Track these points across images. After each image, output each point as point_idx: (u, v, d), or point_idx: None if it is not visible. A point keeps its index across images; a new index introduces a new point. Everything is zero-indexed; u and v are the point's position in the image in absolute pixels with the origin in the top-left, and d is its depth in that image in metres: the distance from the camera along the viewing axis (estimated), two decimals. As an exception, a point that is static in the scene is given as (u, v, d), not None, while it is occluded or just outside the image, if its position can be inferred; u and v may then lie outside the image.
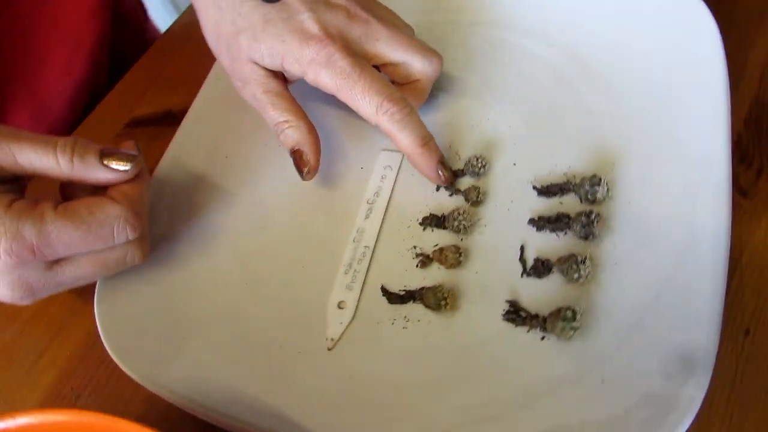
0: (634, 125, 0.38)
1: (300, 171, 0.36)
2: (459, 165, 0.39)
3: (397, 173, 0.39)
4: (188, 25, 0.53)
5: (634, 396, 0.29)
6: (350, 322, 0.34)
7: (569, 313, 0.31)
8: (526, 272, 0.34)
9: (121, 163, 0.30)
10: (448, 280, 0.35)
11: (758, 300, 0.34)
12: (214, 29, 0.36)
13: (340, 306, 0.35)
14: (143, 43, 0.53)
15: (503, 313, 0.33)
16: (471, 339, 0.33)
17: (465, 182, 0.38)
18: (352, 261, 0.36)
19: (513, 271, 0.34)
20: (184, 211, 0.39)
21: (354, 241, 0.37)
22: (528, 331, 0.32)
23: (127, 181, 0.30)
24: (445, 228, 0.36)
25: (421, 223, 0.37)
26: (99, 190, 0.30)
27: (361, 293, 0.35)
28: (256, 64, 0.36)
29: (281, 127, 0.36)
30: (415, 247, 0.36)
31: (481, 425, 0.30)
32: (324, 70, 0.34)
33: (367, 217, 0.38)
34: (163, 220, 0.38)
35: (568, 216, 0.35)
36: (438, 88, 0.42)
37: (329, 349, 0.34)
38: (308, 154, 0.36)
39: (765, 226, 0.36)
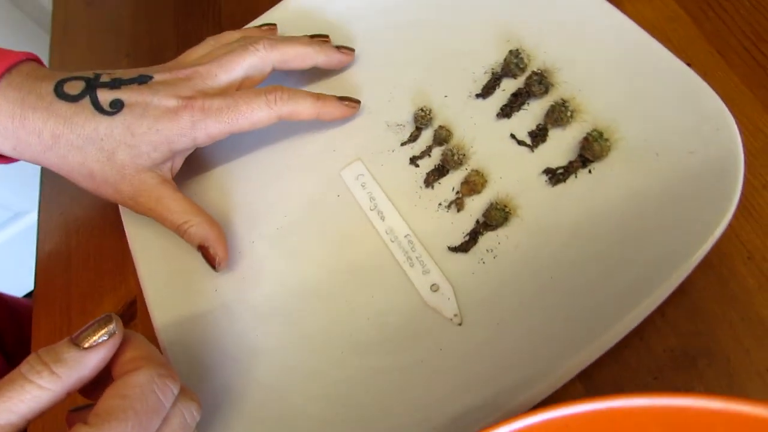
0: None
1: (211, 265, 0.37)
2: (408, 132, 0.41)
3: (371, 174, 0.40)
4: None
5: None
6: (455, 292, 0.35)
7: (595, 134, 0.34)
8: (533, 146, 0.37)
9: (101, 331, 0.26)
10: (488, 200, 0.37)
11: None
12: (83, 171, 0.35)
13: (433, 289, 0.35)
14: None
15: (547, 181, 0.36)
16: (552, 218, 0.35)
17: (426, 135, 0.41)
18: (407, 254, 0.37)
19: (524, 156, 0.37)
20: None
21: (392, 241, 0.37)
22: (576, 177, 0.35)
23: (122, 345, 0.27)
24: (448, 171, 0.38)
25: (427, 184, 0.39)
26: (100, 385, 0.27)
27: (439, 268, 0.36)
28: (147, 170, 0.36)
29: (183, 229, 0.37)
30: (440, 204, 0.38)
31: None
32: (208, 122, 0.36)
33: (382, 218, 0.38)
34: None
35: (520, 90, 0.39)
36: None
37: (460, 324, 0.34)
38: (214, 248, 0.37)
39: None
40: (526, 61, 0.39)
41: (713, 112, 0.33)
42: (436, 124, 0.40)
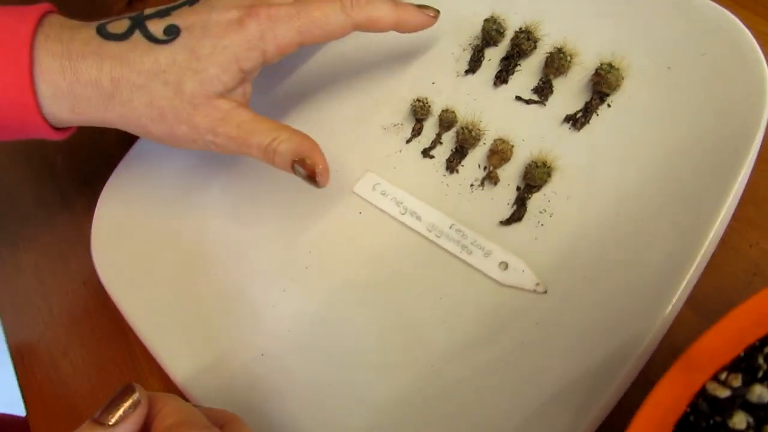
0: None
1: (312, 178, 0.34)
2: (408, 129, 0.39)
3: (387, 180, 0.38)
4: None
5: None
6: (526, 262, 0.33)
7: (605, 66, 0.34)
8: (543, 101, 0.36)
9: (125, 403, 0.24)
10: (519, 165, 0.35)
11: None
12: (153, 114, 0.32)
13: (503, 268, 0.33)
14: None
15: (571, 128, 0.35)
16: (593, 158, 0.34)
17: (429, 125, 0.39)
18: (460, 244, 0.35)
19: (539, 113, 0.37)
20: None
21: (438, 236, 0.35)
22: (598, 115, 0.35)
23: (159, 413, 0.25)
24: (467, 151, 0.37)
25: (451, 170, 0.37)
26: None
27: (499, 246, 0.34)
28: (219, 97, 0.32)
29: (272, 147, 0.33)
30: (471, 185, 0.36)
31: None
32: (277, 30, 0.32)
33: (419, 218, 0.36)
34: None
35: (509, 53, 0.38)
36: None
37: (545, 292, 0.32)
38: (312, 158, 0.33)
39: None
40: (504, 25, 0.39)
41: (709, 13, 0.33)
42: (436, 112, 0.39)
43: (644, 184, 0.32)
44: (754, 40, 0.32)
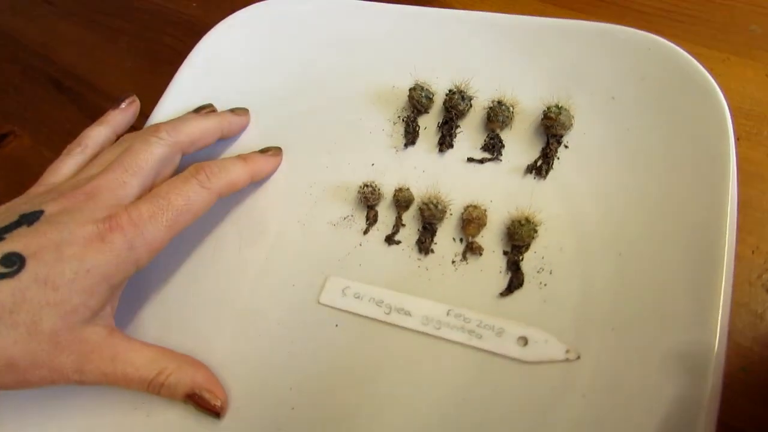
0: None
1: (212, 412, 0.30)
2: (361, 219, 0.35)
3: (356, 281, 0.33)
4: None
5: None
6: (545, 330, 0.29)
7: (554, 109, 0.33)
8: (496, 156, 0.34)
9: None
10: (499, 226, 0.33)
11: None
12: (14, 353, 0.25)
13: (522, 344, 0.29)
14: None
15: (536, 178, 0.33)
16: (572, 200, 0.32)
17: (382, 209, 0.35)
18: (465, 329, 0.31)
19: (497, 170, 0.34)
20: None
21: (437, 328, 0.31)
22: (559, 158, 0.33)
23: None
24: (436, 227, 0.33)
25: (425, 251, 0.33)
26: None
27: (509, 320, 0.30)
28: (86, 325, 0.27)
29: (159, 382, 0.29)
30: (453, 261, 0.33)
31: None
32: (146, 234, 0.29)
33: (408, 314, 0.32)
34: None
35: (447, 117, 0.36)
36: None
37: (578, 357, 0.28)
38: (210, 390, 0.30)
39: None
40: (431, 90, 0.37)
41: (634, 38, 0.34)
42: (387, 193, 0.35)
43: (633, 215, 0.31)
44: (684, 52, 0.32)
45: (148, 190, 0.31)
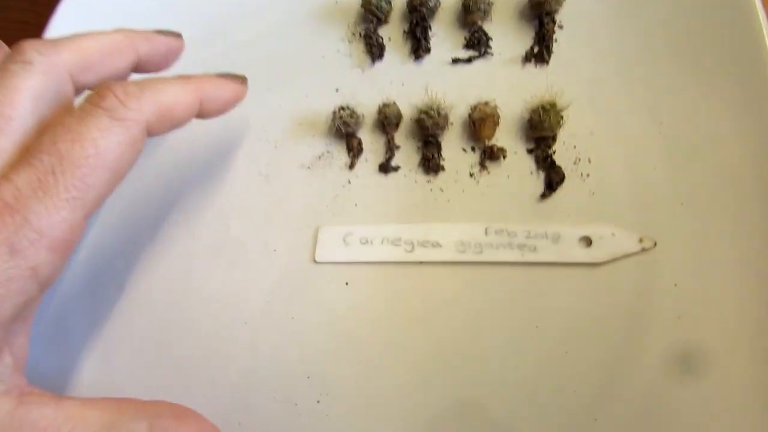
0: None
1: None
2: (341, 152, 0.28)
3: (358, 224, 0.26)
4: None
5: None
6: (610, 225, 0.24)
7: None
8: (487, 50, 0.29)
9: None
10: (510, 129, 0.27)
11: None
12: None
13: (584, 244, 0.24)
14: None
15: (538, 59, 0.28)
16: (585, 78, 0.27)
17: (365, 135, 0.28)
18: (512, 245, 0.25)
19: (491, 66, 0.29)
20: None
21: (478, 252, 0.25)
22: (557, 39, 0.29)
23: None
24: (440, 137, 0.27)
25: (434, 170, 0.27)
26: None
27: (561, 223, 0.25)
28: None
29: None
30: (471, 174, 0.27)
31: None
32: (42, 216, 0.18)
33: (437, 245, 0.25)
34: None
35: (414, 17, 0.30)
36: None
37: (655, 244, 0.24)
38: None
39: None
40: (386, -6, 0.31)
41: None
42: (368, 116, 0.28)
43: (664, 78, 0.27)
44: None
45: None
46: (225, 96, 0.24)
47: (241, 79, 0.25)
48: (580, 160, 0.26)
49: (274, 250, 0.27)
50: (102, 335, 0.27)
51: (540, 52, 0.28)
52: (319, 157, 0.28)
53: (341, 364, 0.24)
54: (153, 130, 0.20)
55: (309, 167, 0.28)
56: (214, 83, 0.24)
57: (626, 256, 0.24)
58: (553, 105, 0.26)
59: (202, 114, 0.23)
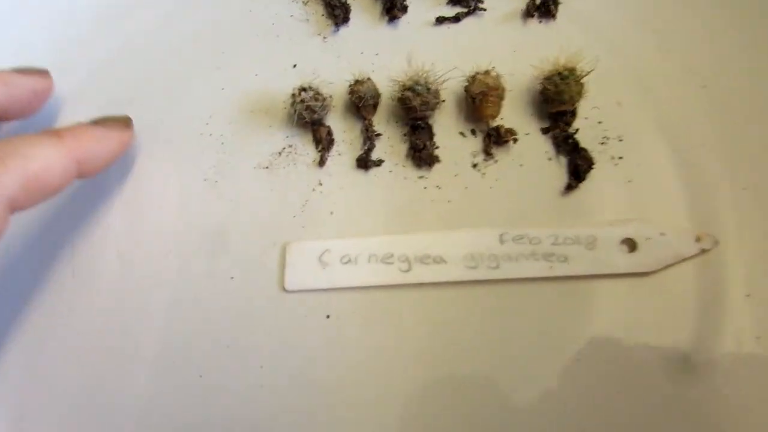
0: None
1: None
2: (305, 143, 0.22)
3: (336, 239, 0.21)
4: None
5: None
6: (656, 223, 0.19)
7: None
8: (477, 3, 0.23)
9: None
10: (518, 103, 0.22)
11: None
12: None
13: (627, 248, 0.19)
14: None
15: (544, 12, 0.22)
16: (602, 35, 0.22)
17: (334, 120, 0.22)
18: (536, 255, 0.19)
19: (484, 23, 0.23)
20: None
21: (494, 266, 0.20)
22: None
23: None
24: (431, 118, 0.22)
25: (428, 162, 0.21)
26: None
27: (595, 225, 0.20)
28: None
29: None
30: (475, 165, 0.21)
31: None
32: None
33: (440, 260, 0.20)
34: None
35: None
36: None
37: (717, 243, 0.19)
38: None
39: None
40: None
41: None
42: (337, 95, 0.22)
43: (690, 24, 0.21)
44: None
45: None
46: (108, 149, 0.20)
47: (125, 123, 0.21)
48: (608, 139, 0.21)
49: (231, 278, 0.21)
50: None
51: (544, 2, 0.23)
52: (280, 154, 0.22)
53: (324, 429, 0.19)
54: (18, 205, 0.17)
55: (267, 167, 0.22)
56: (93, 136, 0.20)
57: (681, 260, 0.19)
58: (571, 71, 0.20)
59: (81, 175, 0.19)
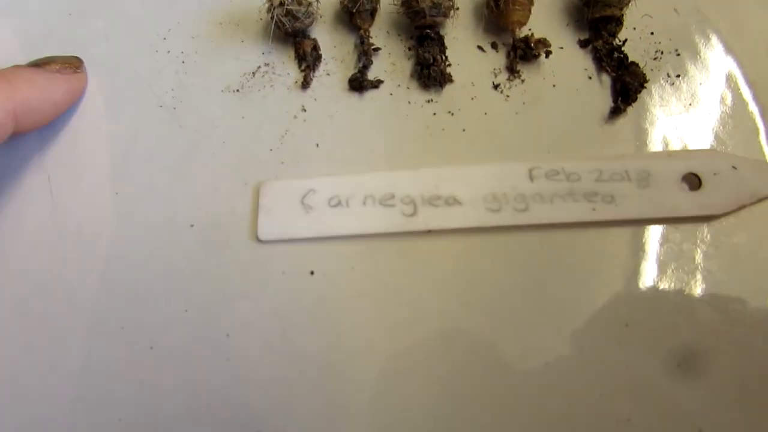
0: None
1: None
2: (286, 62, 0.18)
3: (322, 176, 0.16)
4: None
5: None
6: (726, 153, 0.15)
7: None
8: None
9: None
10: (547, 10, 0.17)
11: None
12: None
13: (691, 184, 0.15)
14: None
15: None
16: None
17: (321, 33, 0.18)
18: (574, 193, 0.15)
19: None
20: None
21: (521, 207, 0.15)
22: None
23: None
24: (442, 29, 0.17)
25: (440, 82, 0.17)
26: None
27: (646, 156, 0.16)
28: None
29: None
30: (497, 86, 0.17)
31: None
32: None
33: (453, 201, 0.16)
34: None
35: None
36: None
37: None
38: None
39: None
40: None
41: None
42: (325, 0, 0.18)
43: None
44: None
45: None
46: (53, 98, 0.17)
47: (74, 65, 0.18)
48: (662, 53, 0.17)
49: (191, 226, 0.17)
50: None
51: None
52: (254, 74, 0.18)
53: (305, 407, 0.15)
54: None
55: (238, 90, 0.18)
56: (34, 84, 0.16)
57: (758, 201, 0.15)
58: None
59: (19, 129, 0.16)
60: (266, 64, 0.18)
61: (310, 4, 0.17)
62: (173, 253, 0.16)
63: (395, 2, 0.17)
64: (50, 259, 0.17)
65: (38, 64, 0.17)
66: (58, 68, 0.17)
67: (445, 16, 0.17)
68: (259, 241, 0.16)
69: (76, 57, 0.18)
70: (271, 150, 0.17)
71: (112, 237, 0.17)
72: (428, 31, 0.17)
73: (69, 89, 0.17)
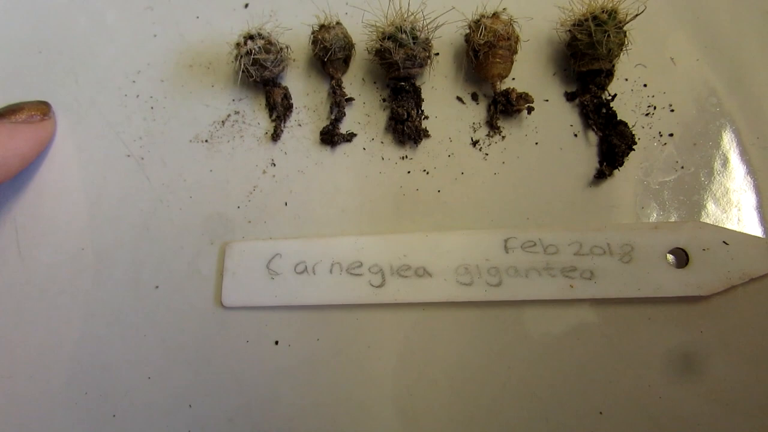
0: None
1: None
2: (258, 115, 0.17)
3: (289, 239, 0.16)
4: None
5: None
6: (716, 225, 0.14)
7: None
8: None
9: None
10: (534, 57, 0.16)
11: None
12: None
13: (676, 260, 0.14)
14: None
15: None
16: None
17: (294, 79, 0.17)
18: (549, 268, 0.14)
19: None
20: None
21: (495, 282, 0.15)
22: None
23: None
24: (417, 77, 0.16)
25: (414, 137, 0.16)
26: None
27: (626, 229, 0.14)
28: None
29: None
30: (475, 142, 0.16)
31: None
32: None
33: (423, 272, 0.15)
34: None
35: None
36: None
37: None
38: None
39: None
40: None
41: None
42: (297, 45, 0.17)
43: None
44: None
45: None
46: (20, 152, 0.16)
47: (43, 110, 0.17)
48: (654, 109, 0.15)
49: (155, 288, 0.16)
50: None
51: None
52: (223, 123, 0.17)
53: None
54: None
55: (207, 140, 0.17)
56: (1, 137, 0.16)
57: (750, 280, 0.14)
58: (612, 14, 0.15)
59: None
60: (236, 112, 0.17)
61: (280, 50, 0.16)
62: (138, 317, 0.16)
63: (369, 51, 0.16)
64: (16, 319, 0.16)
65: (3, 114, 0.16)
66: (24, 117, 0.17)
67: (422, 66, 0.16)
68: (223, 307, 0.16)
69: (45, 102, 0.17)
70: (238, 207, 0.16)
71: (77, 296, 0.16)
72: (403, 83, 0.16)
73: (37, 139, 0.17)
